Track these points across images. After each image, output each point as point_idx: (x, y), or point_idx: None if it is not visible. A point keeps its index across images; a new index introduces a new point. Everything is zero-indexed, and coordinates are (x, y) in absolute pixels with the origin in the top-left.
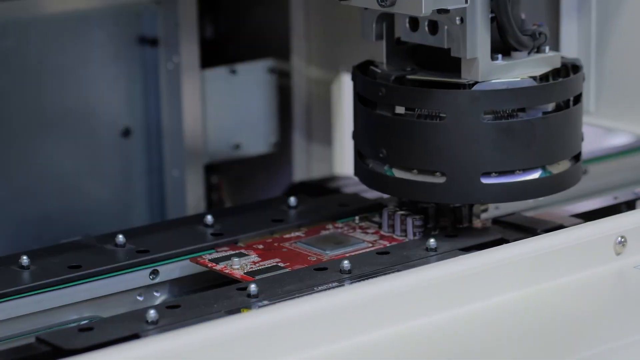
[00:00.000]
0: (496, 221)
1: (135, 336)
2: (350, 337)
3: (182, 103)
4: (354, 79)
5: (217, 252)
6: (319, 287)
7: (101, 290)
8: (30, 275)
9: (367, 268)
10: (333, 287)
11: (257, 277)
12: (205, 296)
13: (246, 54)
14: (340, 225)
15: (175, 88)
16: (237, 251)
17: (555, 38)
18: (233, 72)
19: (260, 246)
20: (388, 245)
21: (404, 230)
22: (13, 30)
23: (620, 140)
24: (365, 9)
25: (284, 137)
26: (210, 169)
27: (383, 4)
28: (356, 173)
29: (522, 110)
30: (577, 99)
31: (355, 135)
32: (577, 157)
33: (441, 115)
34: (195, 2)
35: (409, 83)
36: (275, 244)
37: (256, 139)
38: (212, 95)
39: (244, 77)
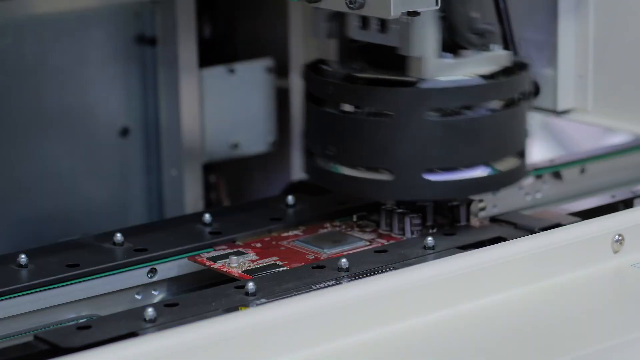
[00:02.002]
0: (494, 219)
1: (133, 334)
2: (348, 336)
3: (180, 102)
4: (304, 77)
5: (215, 250)
6: (317, 286)
7: (99, 288)
8: (29, 274)
9: (365, 266)
10: (331, 286)
11: (255, 276)
12: (203, 294)
13: (244, 53)
14: (338, 223)
15: (173, 87)
16: (235, 250)
17: (553, 37)
18: (231, 71)
19: (258, 245)
20: (386, 243)
21: (402, 229)
22: (10, 30)
23: (618, 139)
24: (316, 7)
25: (282, 136)
26: (209, 168)
27: (352, 6)
28: (306, 170)
29: (469, 107)
30: (524, 96)
31: (305, 133)
32: (522, 154)
33: (388, 112)
34: (193, 2)
35: (359, 81)
36: (273, 243)
37: (254, 138)
38: (210, 94)
39: (242, 77)
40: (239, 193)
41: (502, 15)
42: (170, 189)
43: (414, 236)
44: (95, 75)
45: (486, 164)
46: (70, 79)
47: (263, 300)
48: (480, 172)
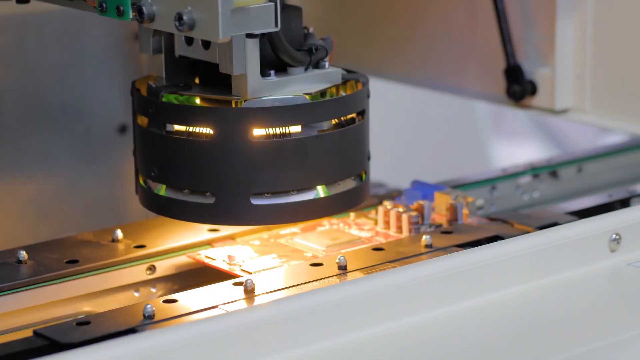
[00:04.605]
0: (491, 218)
1: (132, 331)
2: (346, 333)
3: None
4: (131, 94)
5: (213, 247)
6: (315, 283)
7: (98, 285)
8: (28, 270)
9: (363, 264)
10: (329, 283)
11: (253, 273)
12: (202, 291)
13: None
14: (336, 221)
15: None
16: (234, 247)
17: (551, 37)
18: None
19: (257, 242)
20: (384, 241)
21: (400, 227)
22: (10, 27)
23: (615, 138)
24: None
25: None
26: None
27: (181, 27)
28: (136, 191)
29: (298, 128)
30: (361, 115)
31: (134, 153)
32: (361, 176)
33: (210, 133)
34: None
35: (180, 100)
36: (272, 240)
37: None
38: None
39: None
40: None
41: (499, 15)
42: None
43: (411, 234)
44: (93, 71)
45: (317, 187)
46: (69, 75)
47: (262, 297)
48: (310, 196)
